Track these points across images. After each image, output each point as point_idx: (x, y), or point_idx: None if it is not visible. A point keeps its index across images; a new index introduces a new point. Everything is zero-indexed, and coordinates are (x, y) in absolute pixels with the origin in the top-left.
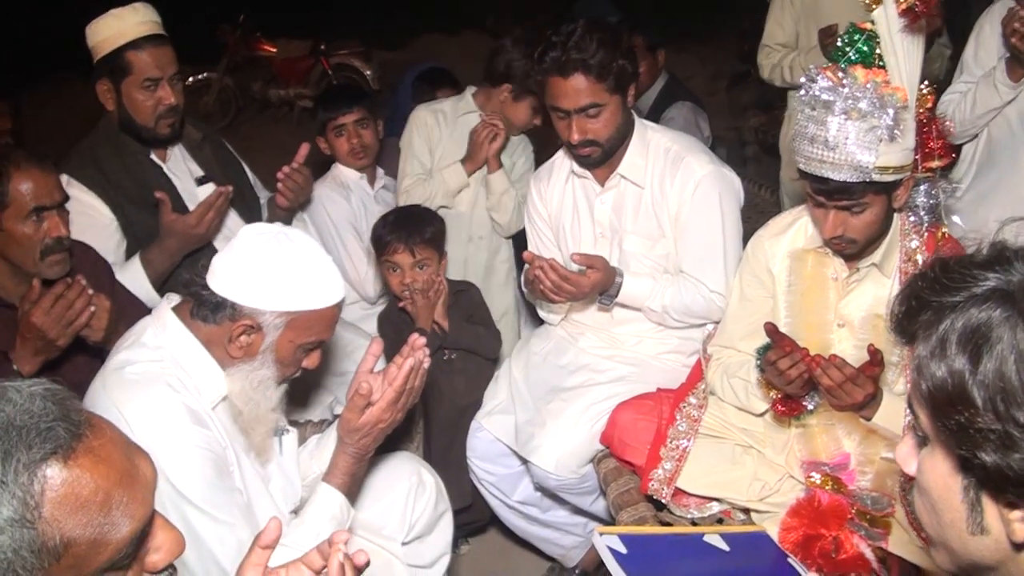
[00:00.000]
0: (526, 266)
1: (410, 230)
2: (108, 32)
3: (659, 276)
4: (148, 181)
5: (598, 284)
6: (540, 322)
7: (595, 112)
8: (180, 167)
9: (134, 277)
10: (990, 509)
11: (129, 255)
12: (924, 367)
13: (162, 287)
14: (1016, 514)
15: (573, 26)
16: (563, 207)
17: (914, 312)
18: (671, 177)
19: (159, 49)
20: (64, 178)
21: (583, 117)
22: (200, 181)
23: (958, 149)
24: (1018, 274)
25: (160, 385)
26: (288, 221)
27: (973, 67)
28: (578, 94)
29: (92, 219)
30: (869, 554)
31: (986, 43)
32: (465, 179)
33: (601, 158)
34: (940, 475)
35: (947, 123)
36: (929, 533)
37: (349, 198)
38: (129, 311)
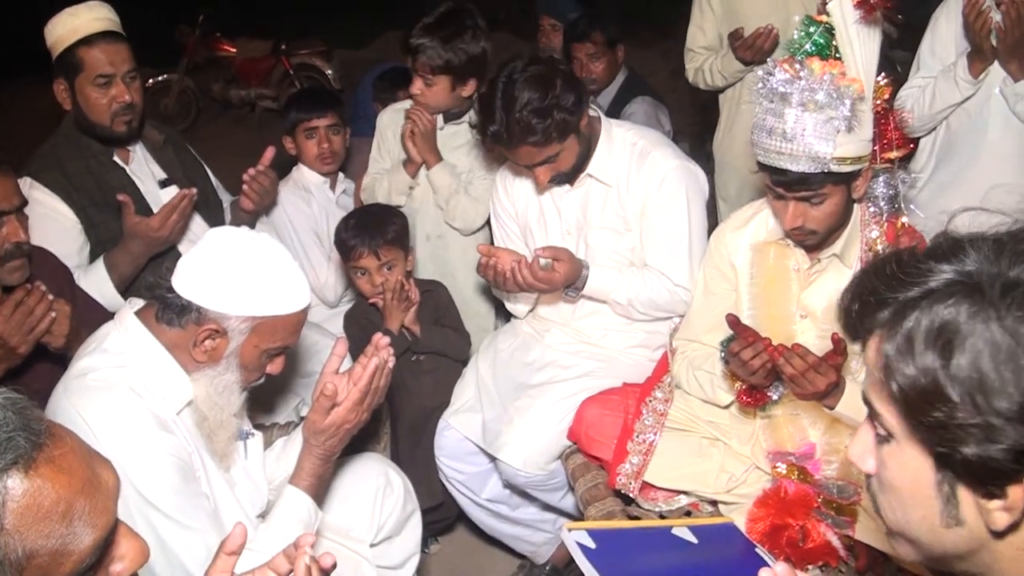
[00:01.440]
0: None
1: (372, 232)
2: (62, 30)
3: (625, 269)
4: (111, 183)
5: (568, 276)
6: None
7: (552, 160)
8: (143, 169)
9: (98, 281)
10: (966, 501)
11: (93, 258)
12: (892, 367)
13: (126, 291)
14: (995, 503)
15: (503, 86)
16: (529, 204)
17: (871, 310)
18: (637, 171)
19: (112, 46)
20: (26, 181)
21: (543, 167)
22: (163, 183)
23: (916, 140)
24: (972, 263)
25: (124, 391)
26: (252, 224)
27: (930, 61)
28: (530, 156)
29: (55, 222)
30: (836, 542)
31: (942, 36)
32: (408, 179)
33: (568, 178)
34: (911, 472)
35: (904, 114)
36: (891, 527)
37: (310, 202)
38: (90, 316)
